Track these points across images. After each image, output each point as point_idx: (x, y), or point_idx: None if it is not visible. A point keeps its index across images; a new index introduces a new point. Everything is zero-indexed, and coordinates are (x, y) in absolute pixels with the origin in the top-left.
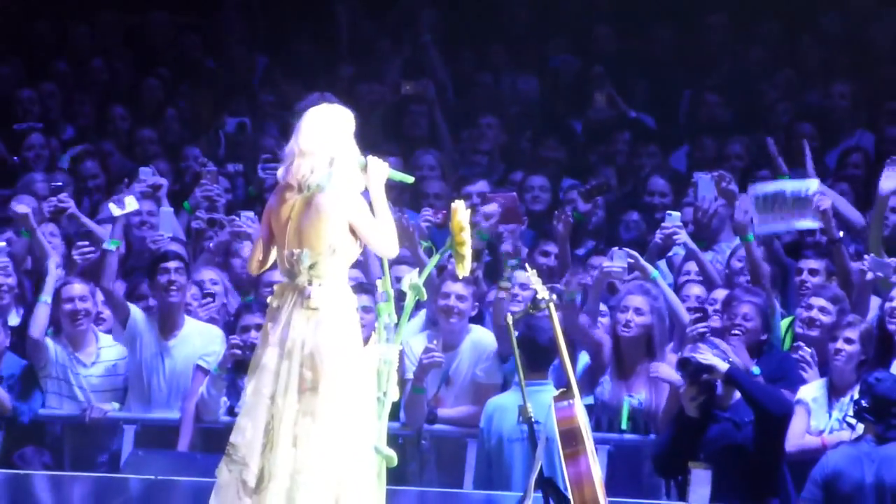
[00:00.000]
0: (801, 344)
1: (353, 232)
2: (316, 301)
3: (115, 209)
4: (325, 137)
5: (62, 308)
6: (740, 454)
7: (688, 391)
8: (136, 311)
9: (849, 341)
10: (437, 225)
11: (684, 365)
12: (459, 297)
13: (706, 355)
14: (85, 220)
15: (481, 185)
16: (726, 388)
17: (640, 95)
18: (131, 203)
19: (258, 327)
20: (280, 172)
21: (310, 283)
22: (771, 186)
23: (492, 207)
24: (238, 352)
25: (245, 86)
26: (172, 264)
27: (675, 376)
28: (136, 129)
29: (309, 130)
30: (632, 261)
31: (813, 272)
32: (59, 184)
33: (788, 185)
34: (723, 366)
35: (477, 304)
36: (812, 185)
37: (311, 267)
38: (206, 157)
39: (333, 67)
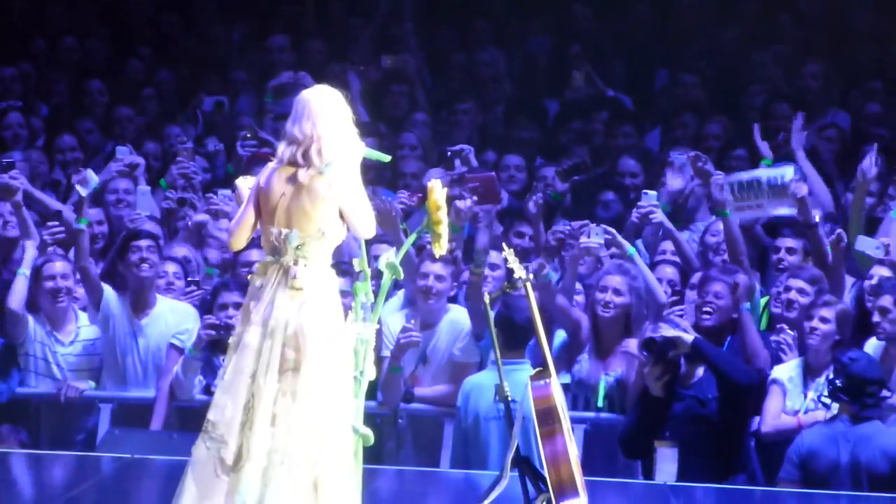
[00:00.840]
0: (785, 327)
1: (340, 215)
2: (301, 281)
3: (80, 189)
4: (332, 120)
5: (43, 286)
6: (706, 431)
7: (652, 371)
8: (108, 290)
9: (824, 321)
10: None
11: (649, 345)
12: (438, 278)
13: (669, 330)
14: (39, 195)
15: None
16: (689, 365)
17: (617, 75)
18: (93, 178)
19: (236, 306)
20: (281, 150)
21: (295, 263)
22: (746, 175)
23: (465, 203)
24: (213, 332)
25: (222, 64)
26: (144, 242)
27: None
28: (113, 107)
29: (315, 113)
30: (609, 237)
31: (790, 251)
32: (11, 160)
33: (764, 173)
34: (688, 337)
35: (455, 284)
36: (788, 172)
37: (298, 247)
38: (184, 135)
39: (306, 46)
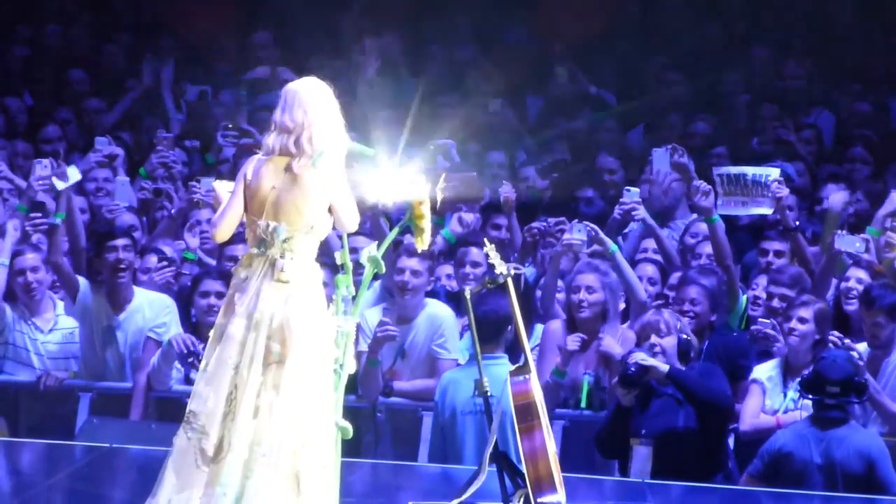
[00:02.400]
0: (760, 320)
1: (328, 209)
2: (288, 274)
3: (58, 183)
4: (322, 109)
5: (16, 280)
6: (683, 431)
7: (619, 388)
8: (84, 284)
9: (802, 321)
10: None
11: (627, 381)
12: (414, 273)
13: (644, 359)
14: (19, 181)
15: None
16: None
17: (600, 72)
18: (73, 174)
19: (218, 295)
20: (270, 142)
21: (282, 256)
22: (735, 168)
23: (455, 225)
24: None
25: (205, 54)
26: (120, 242)
27: (619, 349)
28: (93, 95)
29: (306, 101)
30: (592, 234)
31: (778, 254)
32: None
33: (750, 170)
34: (663, 367)
35: (431, 279)
36: (773, 172)
37: (285, 241)
38: (165, 124)
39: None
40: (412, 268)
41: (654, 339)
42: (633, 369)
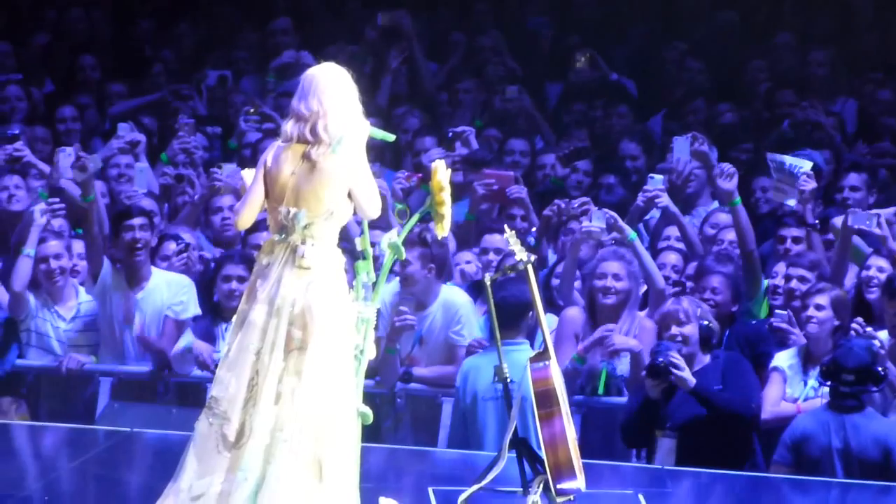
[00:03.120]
0: (778, 312)
1: (348, 195)
2: (309, 260)
3: (77, 175)
4: (338, 96)
5: (38, 267)
6: (708, 422)
7: (648, 380)
8: (106, 264)
9: (819, 308)
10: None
11: (656, 372)
12: (404, 263)
13: (676, 363)
14: (43, 166)
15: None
16: (690, 356)
17: (620, 59)
18: (96, 162)
19: (240, 279)
20: (288, 129)
21: (303, 243)
22: (778, 156)
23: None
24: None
25: (226, 39)
26: (137, 221)
27: (633, 343)
28: (113, 82)
29: (322, 89)
30: (611, 221)
31: (796, 240)
32: (16, 132)
33: (789, 159)
34: (691, 381)
35: (432, 265)
36: (806, 165)
37: (306, 227)
38: (188, 110)
39: (306, 25)
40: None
41: (674, 328)
42: (661, 361)
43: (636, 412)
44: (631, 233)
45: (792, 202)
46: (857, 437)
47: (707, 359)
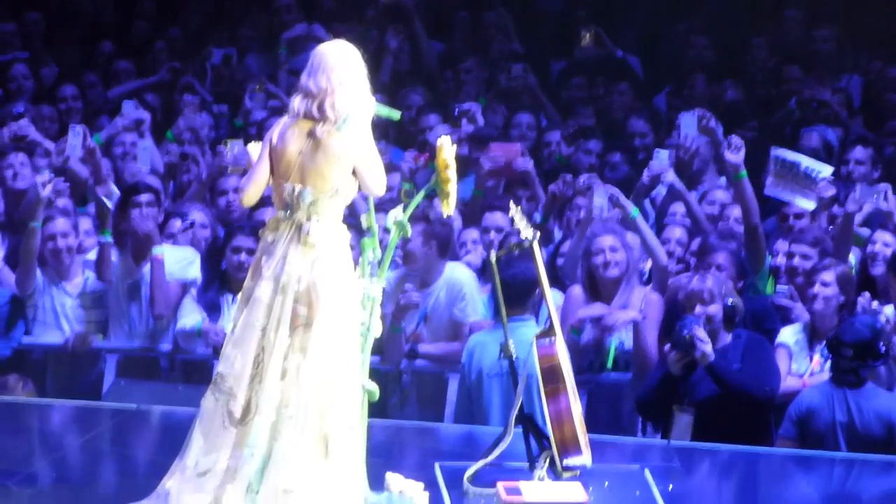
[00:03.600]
0: (780, 288)
1: (353, 172)
2: (314, 237)
3: (107, 202)
4: (347, 74)
5: (45, 245)
6: (726, 400)
7: (672, 354)
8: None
9: (825, 284)
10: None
11: (680, 344)
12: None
13: (701, 338)
14: (48, 144)
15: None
16: (713, 334)
17: (625, 36)
18: (114, 191)
19: (249, 251)
20: (296, 105)
21: (308, 220)
22: (791, 154)
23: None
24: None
25: (231, 17)
26: (143, 198)
27: (633, 314)
28: (120, 60)
29: (331, 66)
30: (614, 198)
31: (798, 216)
32: (21, 110)
33: (805, 160)
34: (711, 355)
35: (433, 242)
36: (826, 170)
37: (311, 204)
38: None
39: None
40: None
41: (699, 307)
42: (686, 334)
43: (655, 386)
44: (633, 210)
45: (810, 205)
46: (860, 412)
47: (729, 338)
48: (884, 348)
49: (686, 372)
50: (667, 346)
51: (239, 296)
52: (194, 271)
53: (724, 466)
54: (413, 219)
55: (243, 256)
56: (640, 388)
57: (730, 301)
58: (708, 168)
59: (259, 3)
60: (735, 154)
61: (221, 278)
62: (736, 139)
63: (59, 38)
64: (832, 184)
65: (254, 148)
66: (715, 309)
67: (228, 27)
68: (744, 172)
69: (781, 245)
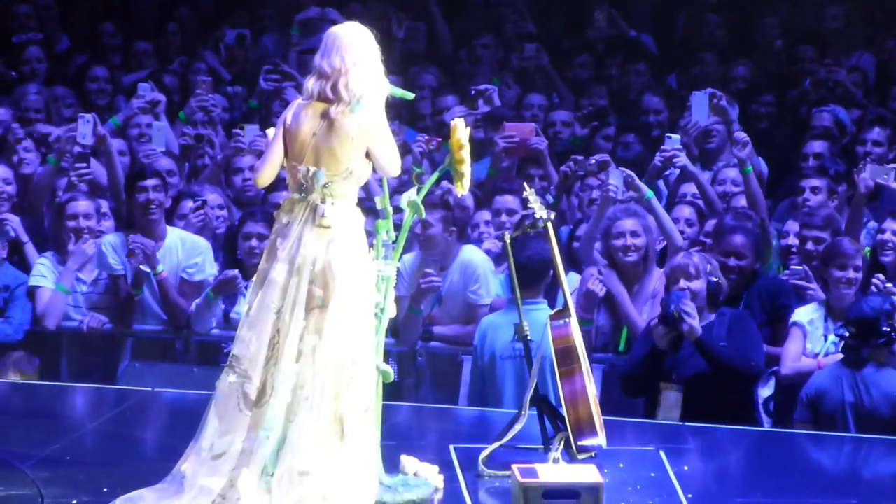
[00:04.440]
0: (793, 268)
1: (367, 154)
2: (329, 219)
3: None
4: (361, 55)
5: (66, 224)
6: (713, 377)
7: (659, 328)
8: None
9: (857, 269)
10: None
11: (668, 321)
12: (426, 225)
13: (688, 311)
14: (58, 131)
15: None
16: (697, 311)
17: (638, 16)
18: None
19: (260, 237)
20: (310, 86)
21: (322, 202)
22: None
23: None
24: (235, 273)
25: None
26: (150, 182)
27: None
28: (133, 42)
29: (345, 47)
30: (628, 179)
31: (815, 190)
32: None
33: None
34: (698, 329)
35: (454, 228)
36: None
37: (325, 186)
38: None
39: None
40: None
41: (682, 282)
42: (673, 309)
43: (640, 362)
44: (647, 191)
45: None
46: (868, 392)
47: (713, 316)
48: (887, 328)
49: (672, 347)
50: (654, 321)
51: (254, 277)
52: (208, 269)
53: (737, 447)
54: (431, 204)
55: (254, 242)
56: (624, 364)
57: (714, 279)
58: (725, 147)
59: None
60: (741, 150)
61: (237, 267)
62: (741, 135)
63: (72, 20)
64: None
65: (271, 133)
66: (699, 285)
67: (243, 7)
68: (749, 167)
69: (792, 226)
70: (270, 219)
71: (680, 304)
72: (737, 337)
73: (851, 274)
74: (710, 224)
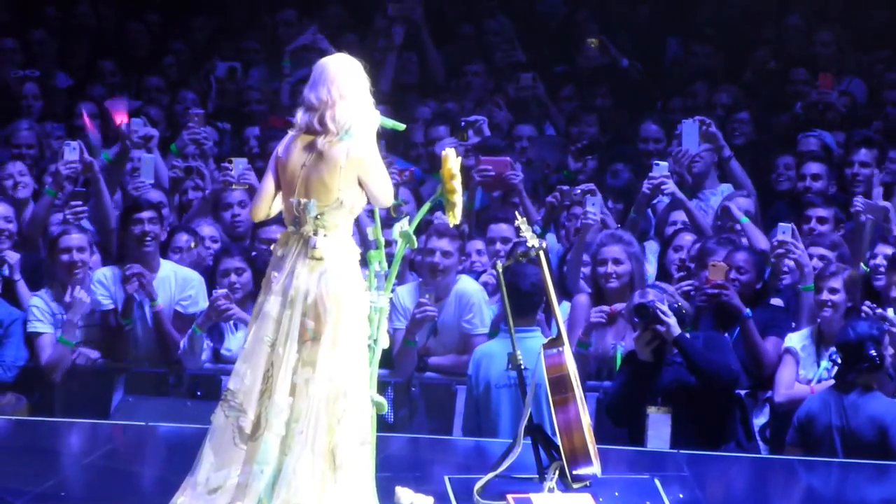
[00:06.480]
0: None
1: (359, 184)
2: (321, 251)
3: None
4: (348, 86)
5: (59, 259)
6: (694, 398)
7: (643, 336)
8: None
9: (833, 291)
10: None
11: (641, 312)
12: (444, 254)
13: (666, 311)
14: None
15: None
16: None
17: (626, 43)
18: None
19: (237, 271)
20: (299, 117)
21: (315, 233)
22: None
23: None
24: (224, 304)
25: (235, 30)
26: (146, 214)
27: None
28: (127, 77)
29: (331, 79)
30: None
31: (822, 220)
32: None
33: None
34: (676, 329)
35: (463, 257)
36: None
37: (317, 217)
38: (198, 102)
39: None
40: (443, 248)
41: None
42: (648, 303)
43: (622, 387)
44: (742, 217)
45: None
46: (855, 417)
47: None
48: (873, 353)
49: (655, 356)
50: (634, 334)
51: (253, 311)
52: (201, 303)
53: (731, 474)
54: (450, 235)
55: (233, 277)
56: (609, 391)
57: (677, 304)
58: (710, 173)
59: (263, 16)
60: (738, 210)
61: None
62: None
63: (65, 55)
64: None
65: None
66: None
67: (232, 40)
68: (745, 218)
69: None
70: (246, 252)
71: (655, 303)
72: (712, 349)
73: (826, 296)
74: (695, 248)
